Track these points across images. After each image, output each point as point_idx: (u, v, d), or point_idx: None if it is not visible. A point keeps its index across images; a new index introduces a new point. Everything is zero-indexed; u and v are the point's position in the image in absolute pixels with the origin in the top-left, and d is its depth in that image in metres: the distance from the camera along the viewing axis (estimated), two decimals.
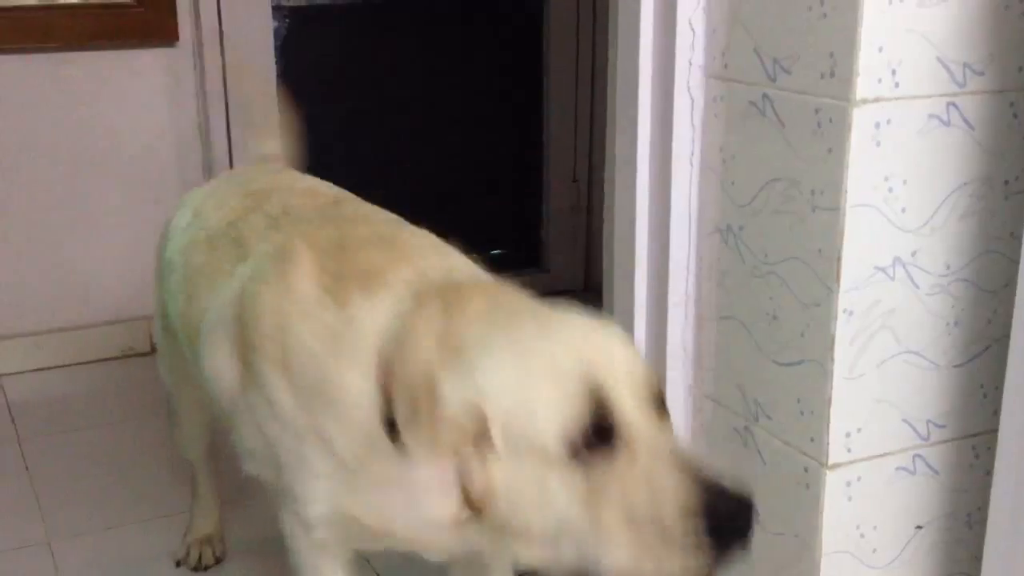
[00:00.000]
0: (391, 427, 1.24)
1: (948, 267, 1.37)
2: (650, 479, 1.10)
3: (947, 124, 1.32)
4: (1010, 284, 1.30)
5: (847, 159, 1.28)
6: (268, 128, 2.18)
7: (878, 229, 1.32)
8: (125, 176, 3.31)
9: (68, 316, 3.39)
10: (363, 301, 1.33)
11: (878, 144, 1.29)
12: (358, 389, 1.29)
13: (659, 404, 1.17)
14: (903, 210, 1.33)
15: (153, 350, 3.35)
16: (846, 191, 1.29)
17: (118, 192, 3.32)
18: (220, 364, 1.52)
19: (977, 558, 1.37)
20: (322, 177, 2.03)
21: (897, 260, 1.35)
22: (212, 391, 1.55)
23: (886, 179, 1.31)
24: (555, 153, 3.91)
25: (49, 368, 3.35)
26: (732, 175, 1.47)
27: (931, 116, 1.31)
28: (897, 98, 1.29)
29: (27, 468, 2.75)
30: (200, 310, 1.60)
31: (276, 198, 1.69)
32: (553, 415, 1.11)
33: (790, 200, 1.37)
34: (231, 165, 3.31)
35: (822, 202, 1.33)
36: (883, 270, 1.34)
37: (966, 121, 1.33)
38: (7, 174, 3.24)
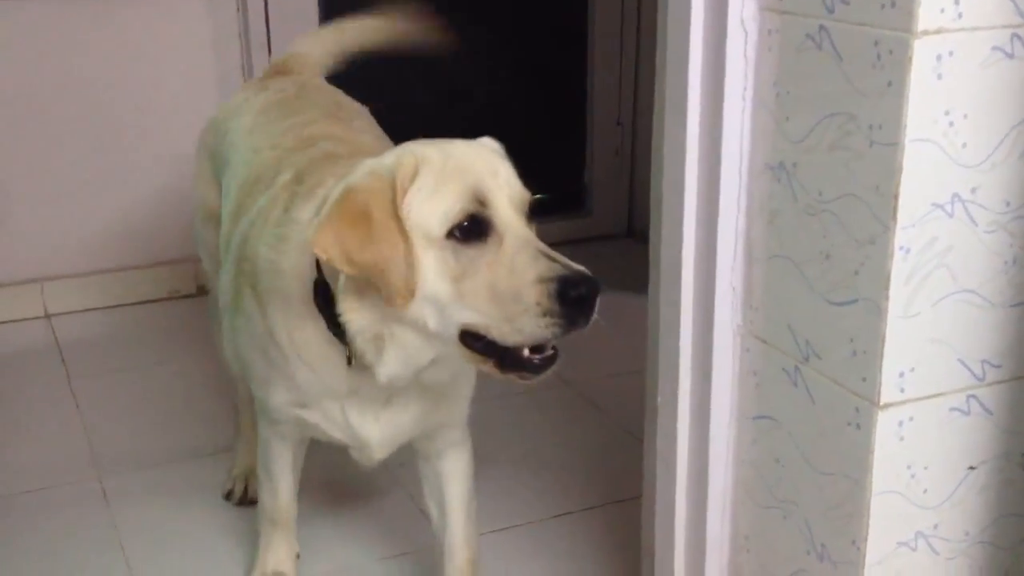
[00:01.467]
0: (321, 291, 1.53)
1: (1008, 204, 1.34)
2: (513, 262, 1.40)
3: (1011, 56, 1.28)
4: None
5: (907, 93, 1.25)
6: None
7: (937, 165, 1.29)
8: (169, 120, 3.33)
9: (115, 258, 3.44)
10: (303, 203, 1.62)
11: (939, 77, 1.26)
12: (292, 266, 1.59)
13: (528, 214, 1.48)
14: (963, 145, 1.30)
15: (199, 292, 3.39)
16: (905, 126, 1.26)
17: (162, 136, 3.33)
18: (223, 283, 1.83)
19: None
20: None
21: (956, 196, 1.32)
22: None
23: (947, 113, 1.28)
24: (599, 96, 3.87)
25: (97, 309, 3.40)
26: (786, 111, 1.44)
27: (995, 48, 1.27)
28: (959, 29, 1.25)
29: (77, 406, 2.80)
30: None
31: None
32: (440, 206, 1.42)
33: (847, 136, 1.34)
34: None
35: (880, 137, 1.30)
36: (941, 207, 1.32)
37: None
38: (53, 118, 3.27)
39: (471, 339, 1.46)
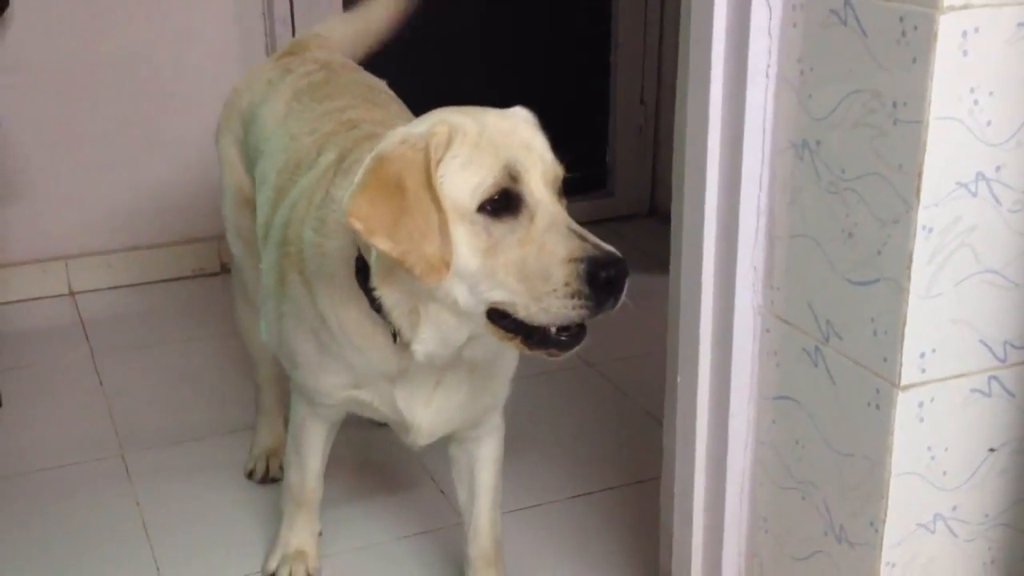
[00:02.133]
0: (362, 269, 1.52)
1: None
2: (543, 240, 1.38)
3: None
4: None
5: (932, 69, 1.24)
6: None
7: (962, 143, 1.28)
8: (194, 97, 3.33)
9: (139, 236, 3.45)
10: (343, 180, 1.61)
11: (965, 54, 1.24)
12: (336, 247, 1.58)
13: (560, 190, 1.46)
14: (988, 123, 1.28)
15: (223, 270, 3.41)
16: (930, 103, 1.25)
17: (187, 113, 3.34)
18: (266, 268, 1.80)
19: None
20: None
21: (980, 175, 1.30)
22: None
23: (972, 91, 1.26)
24: (623, 74, 3.85)
25: (121, 286, 3.42)
26: (810, 88, 1.43)
27: (1020, 24, 1.26)
28: (985, 5, 1.24)
29: (101, 383, 2.82)
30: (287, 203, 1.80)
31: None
32: (473, 179, 1.40)
33: (871, 113, 1.33)
34: None
35: (905, 115, 1.28)
36: (965, 186, 1.30)
37: None
38: (78, 95, 3.28)
39: (498, 316, 1.43)
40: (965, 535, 1.50)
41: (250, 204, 2.05)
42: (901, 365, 1.37)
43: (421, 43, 3.51)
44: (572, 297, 1.36)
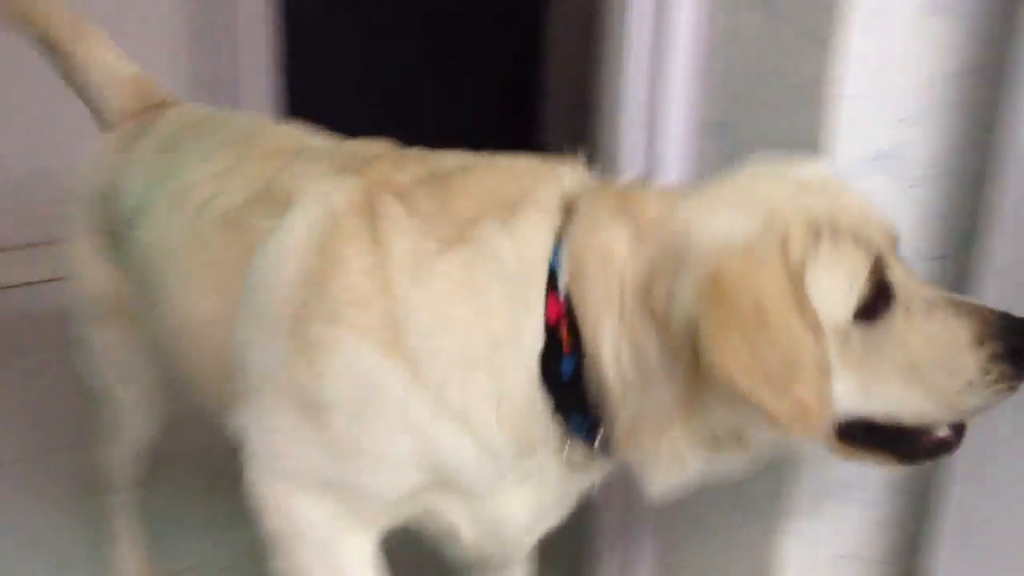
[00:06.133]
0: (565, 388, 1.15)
1: (935, 159, 1.37)
2: (929, 329, 1.08)
3: (935, 12, 1.31)
4: (992, 176, 1.30)
5: (839, 47, 1.27)
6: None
7: (866, 120, 1.32)
8: (35, 103, 3.22)
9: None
10: (502, 231, 1.17)
11: (870, 32, 1.28)
12: (532, 333, 1.15)
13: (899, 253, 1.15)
14: (892, 100, 1.32)
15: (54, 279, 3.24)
16: (836, 80, 1.29)
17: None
18: (254, 337, 1.28)
19: None
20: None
21: (882, 152, 1.35)
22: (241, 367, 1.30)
23: (877, 68, 1.30)
24: (555, 56, 3.84)
25: None
26: (726, 68, 1.46)
27: (922, 4, 1.30)
28: None
29: None
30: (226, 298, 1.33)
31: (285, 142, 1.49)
32: (843, 280, 1.06)
33: (781, 91, 1.36)
34: None
35: (812, 93, 1.32)
36: (870, 162, 1.34)
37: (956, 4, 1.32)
38: None
39: (857, 431, 1.13)
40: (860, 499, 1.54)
41: (120, 310, 1.65)
42: None
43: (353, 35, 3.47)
44: (997, 381, 1.08)
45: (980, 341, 1.07)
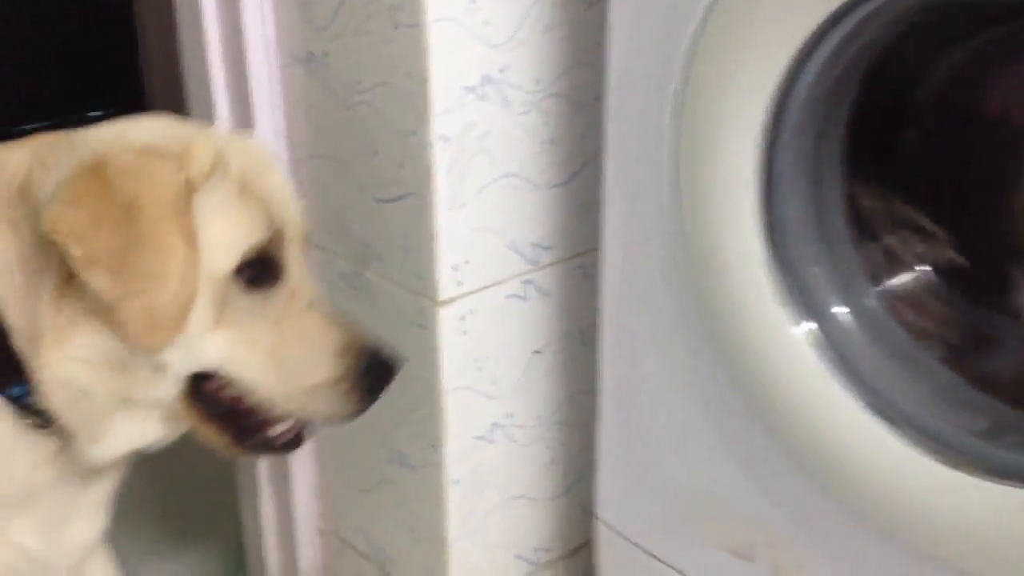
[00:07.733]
0: None
1: (538, 82, 1.31)
2: (304, 324, 1.09)
3: None
4: (600, 97, 1.26)
5: None
6: None
7: (463, 45, 1.23)
8: None
9: None
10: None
11: None
12: None
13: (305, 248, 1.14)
14: (486, 23, 1.24)
15: None
16: (426, 4, 1.19)
17: None
18: None
19: (594, 374, 1.37)
20: None
21: (486, 78, 1.27)
22: None
23: None
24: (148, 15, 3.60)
25: None
26: None
27: None
28: None
29: None
30: None
31: None
32: (232, 231, 1.04)
33: (369, 18, 1.25)
34: None
35: (403, 18, 1.21)
36: (473, 90, 1.26)
37: None
38: None
39: (209, 396, 1.09)
40: (524, 440, 1.51)
41: None
42: (437, 280, 1.33)
43: None
44: (347, 394, 1.10)
45: (344, 353, 1.10)
